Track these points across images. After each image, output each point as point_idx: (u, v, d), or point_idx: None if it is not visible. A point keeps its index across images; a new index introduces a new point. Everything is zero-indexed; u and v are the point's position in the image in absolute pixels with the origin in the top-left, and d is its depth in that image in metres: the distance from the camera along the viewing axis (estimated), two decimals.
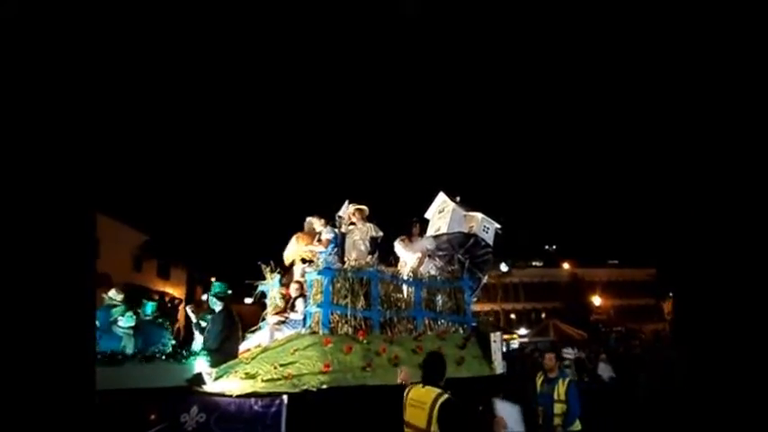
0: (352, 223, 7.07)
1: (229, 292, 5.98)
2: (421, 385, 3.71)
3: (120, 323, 5.39)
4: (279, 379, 5.26)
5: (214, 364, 5.28)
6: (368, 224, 7.04)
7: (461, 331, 7.34)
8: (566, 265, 48.13)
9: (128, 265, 24.99)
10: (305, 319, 6.40)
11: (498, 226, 8.30)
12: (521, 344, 21.49)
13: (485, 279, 8.29)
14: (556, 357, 6.11)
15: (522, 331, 32.05)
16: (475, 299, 8.27)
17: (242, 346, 6.39)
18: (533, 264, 48.57)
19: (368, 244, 6.90)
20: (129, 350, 5.20)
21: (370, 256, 6.77)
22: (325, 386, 5.29)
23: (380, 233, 7.05)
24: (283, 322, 6.40)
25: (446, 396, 3.50)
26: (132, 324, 5.46)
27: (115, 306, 5.58)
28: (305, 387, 5.22)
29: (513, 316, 45.83)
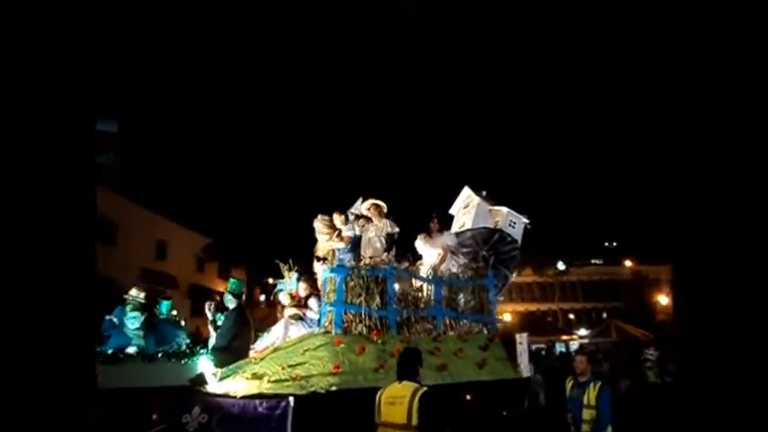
0: (368, 219, 6.85)
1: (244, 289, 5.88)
2: (397, 382, 3.64)
3: (128, 323, 5.39)
4: (286, 380, 5.09)
5: (222, 363, 5.19)
6: (384, 220, 6.79)
7: (485, 332, 6.98)
8: (627, 263, 45.87)
9: (192, 267, 25.97)
10: (320, 318, 6.23)
11: (526, 220, 7.85)
12: (581, 344, 20.78)
13: (512, 277, 7.87)
14: (588, 360, 5.65)
15: (582, 332, 30.79)
16: (501, 297, 7.87)
17: (259, 345, 6.30)
18: (592, 261, 46.83)
19: (384, 241, 6.65)
20: (134, 349, 5.18)
21: (386, 254, 6.52)
22: (334, 388, 5.08)
23: (396, 229, 6.79)
24: (301, 318, 6.25)
25: (424, 389, 3.48)
26: (138, 325, 5.45)
27: (133, 305, 5.59)
28: (313, 389, 5.03)
29: (571, 316, 44.18)
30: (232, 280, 5.84)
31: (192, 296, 23.27)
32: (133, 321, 5.40)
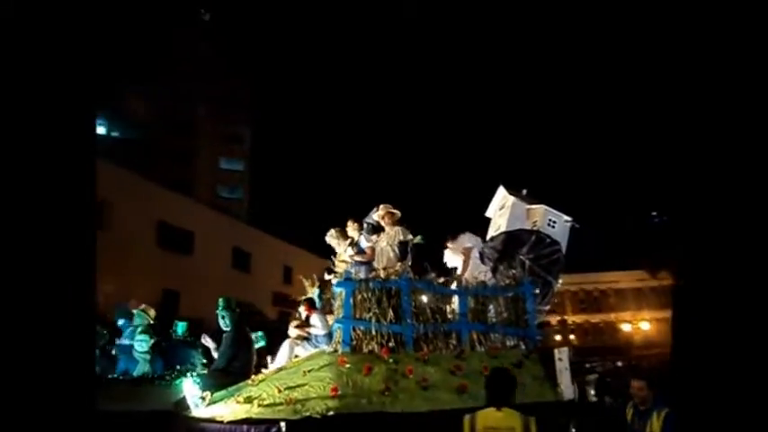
0: (381, 228, 6.38)
1: (237, 309, 5.66)
2: (493, 409, 3.21)
3: (136, 347, 5.39)
4: (280, 403, 4.75)
5: (219, 386, 4.98)
6: (396, 228, 6.28)
7: (523, 347, 6.15)
8: None
9: (278, 278, 26.58)
10: (330, 335, 5.86)
11: (568, 218, 6.91)
12: (633, 365, 18.53)
13: (556, 283, 6.92)
14: (648, 386, 4.66)
15: None
16: (547, 307, 6.96)
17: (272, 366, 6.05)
18: None
19: (397, 250, 6.14)
20: (138, 373, 5.15)
21: (399, 264, 6.01)
22: (331, 413, 4.65)
23: (410, 236, 6.25)
24: (306, 338, 5.92)
25: (533, 418, 3.17)
26: (146, 348, 5.43)
27: (142, 326, 5.62)
28: (307, 413, 4.63)
29: None
30: (219, 300, 5.60)
31: None
32: (141, 345, 5.40)
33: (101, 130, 32.73)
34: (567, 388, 5.48)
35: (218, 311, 5.51)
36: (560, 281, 7.03)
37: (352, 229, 6.44)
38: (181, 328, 6.05)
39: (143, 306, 5.91)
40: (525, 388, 5.37)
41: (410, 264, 6.17)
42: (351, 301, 5.62)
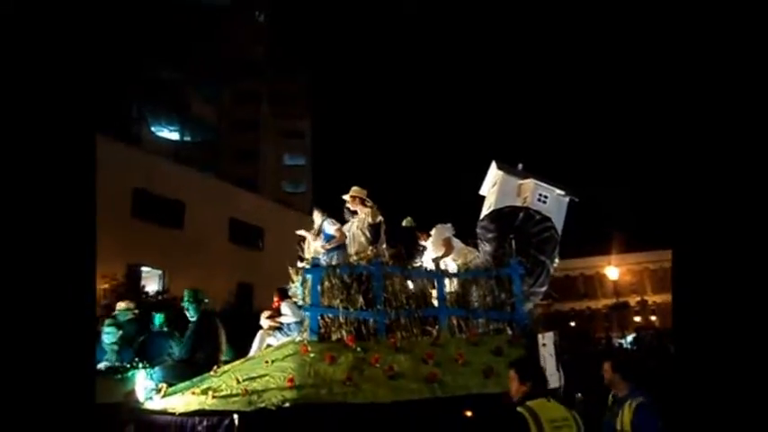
0: (354, 212, 6.08)
1: (204, 299, 5.55)
2: (544, 399, 3.00)
3: (103, 338, 5.41)
4: (236, 395, 4.60)
5: (182, 377, 4.90)
6: (366, 210, 5.95)
7: (509, 332, 5.74)
8: None
9: None
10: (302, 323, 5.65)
11: (561, 192, 6.35)
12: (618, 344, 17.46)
13: (552, 263, 6.40)
14: (612, 368, 4.21)
15: None
16: (543, 288, 6.47)
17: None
18: None
19: (368, 233, 5.83)
20: (104, 364, 5.15)
21: (371, 248, 5.71)
22: (287, 404, 4.46)
23: (380, 218, 5.91)
24: (279, 328, 5.74)
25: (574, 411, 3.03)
26: (113, 339, 5.42)
27: (111, 320, 5.64)
28: (262, 405, 4.46)
29: None
30: (186, 291, 5.53)
31: None
32: (108, 336, 5.41)
33: (174, 135, 34.59)
34: (551, 376, 5.03)
35: (183, 303, 5.46)
36: (556, 260, 6.50)
37: (319, 218, 6.16)
38: (158, 319, 6.04)
39: (124, 304, 5.95)
40: (500, 378, 4.99)
41: (384, 246, 5.88)
42: (318, 288, 5.41)
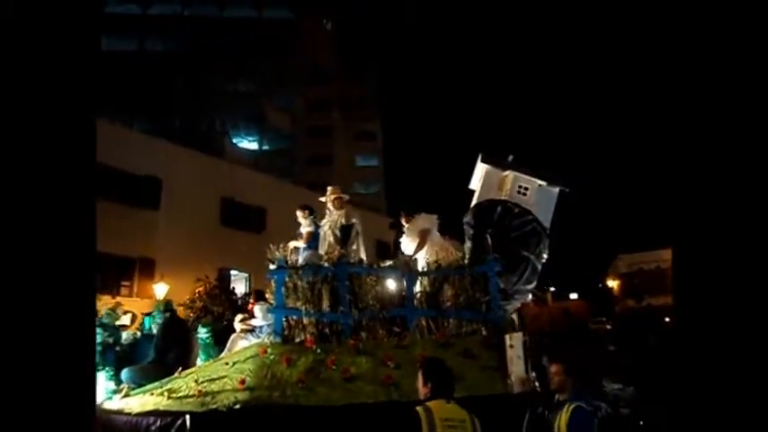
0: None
1: (171, 308, 5.70)
2: (444, 401, 2.98)
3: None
4: (191, 396, 4.68)
5: (144, 379, 5.05)
6: (340, 211, 5.87)
7: (484, 332, 5.44)
8: None
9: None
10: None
11: (542, 183, 5.94)
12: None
13: (539, 259, 6.00)
14: (564, 370, 3.87)
15: None
16: (530, 286, 6.10)
17: None
18: None
19: (338, 233, 5.75)
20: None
21: (338, 248, 5.61)
22: (238, 406, 4.48)
23: (353, 220, 5.81)
24: (251, 331, 5.79)
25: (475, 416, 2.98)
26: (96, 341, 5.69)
27: (103, 321, 5.93)
28: (214, 406, 4.52)
29: None
30: (156, 304, 5.73)
31: None
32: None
33: (253, 145, 36.25)
34: (517, 379, 4.72)
35: (153, 314, 5.67)
36: (545, 255, 6.09)
37: (301, 217, 6.17)
38: (148, 322, 6.30)
39: (113, 306, 6.25)
40: (466, 382, 4.74)
41: (355, 247, 5.78)
42: (282, 289, 5.41)
